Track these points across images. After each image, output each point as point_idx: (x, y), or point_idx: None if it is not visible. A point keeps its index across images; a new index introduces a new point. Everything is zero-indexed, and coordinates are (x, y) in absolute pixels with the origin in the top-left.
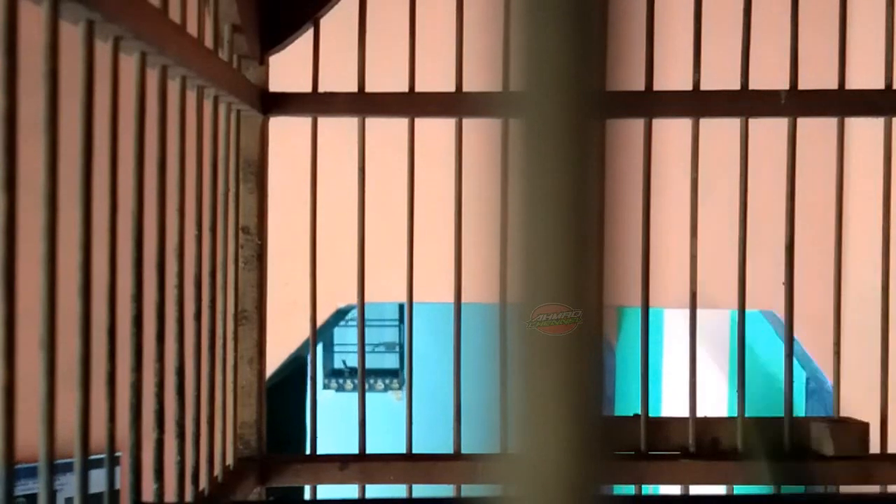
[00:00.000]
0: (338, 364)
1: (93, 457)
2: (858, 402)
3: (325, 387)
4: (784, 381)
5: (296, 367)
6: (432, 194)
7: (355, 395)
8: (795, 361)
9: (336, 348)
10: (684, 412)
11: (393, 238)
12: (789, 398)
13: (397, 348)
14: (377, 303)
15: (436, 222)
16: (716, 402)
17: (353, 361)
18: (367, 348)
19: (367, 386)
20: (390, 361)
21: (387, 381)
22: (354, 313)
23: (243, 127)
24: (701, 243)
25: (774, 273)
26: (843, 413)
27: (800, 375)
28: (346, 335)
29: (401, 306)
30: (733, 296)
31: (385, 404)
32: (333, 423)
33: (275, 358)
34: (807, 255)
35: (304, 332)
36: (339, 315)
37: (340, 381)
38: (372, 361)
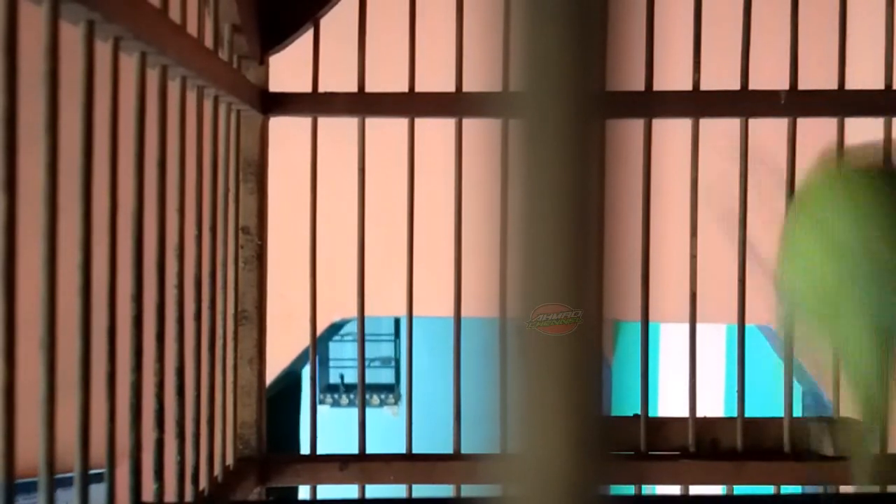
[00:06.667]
0: (334, 379)
1: (90, 471)
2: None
3: (321, 402)
4: (784, 383)
5: (289, 383)
6: (432, 198)
7: (350, 411)
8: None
9: (331, 363)
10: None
11: (391, 251)
12: (789, 399)
13: (393, 363)
14: (374, 317)
15: (435, 234)
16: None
17: (349, 376)
18: (365, 361)
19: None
20: (386, 376)
21: (382, 397)
22: (349, 327)
23: (243, 127)
24: (699, 242)
25: (772, 287)
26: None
27: (797, 391)
28: (341, 350)
29: (397, 321)
30: (730, 310)
31: (381, 420)
32: (329, 438)
33: (269, 371)
34: None
35: (299, 346)
36: (334, 329)
37: (336, 396)
38: (368, 376)
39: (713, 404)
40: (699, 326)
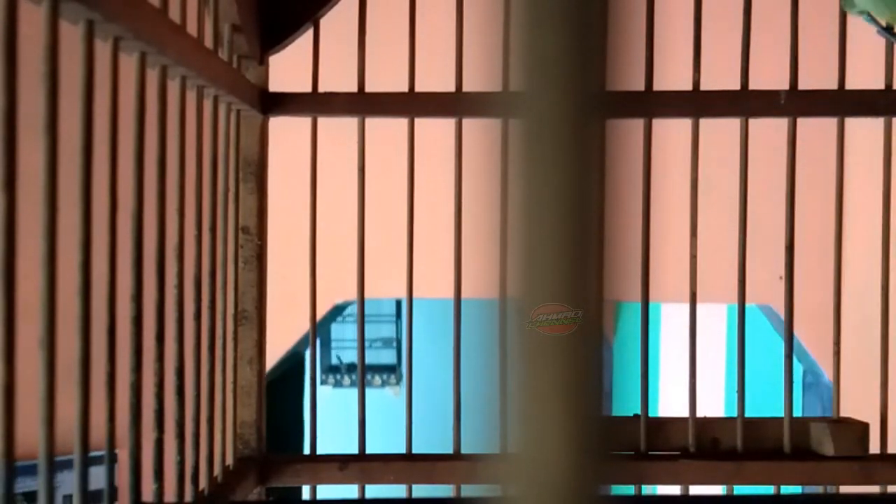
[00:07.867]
0: (334, 360)
1: (91, 454)
2: (858, 401)
3: (323, 383)
4: (784, 382)
5: (292, 364)
6: (432, 192)
7: (353, 391)
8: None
9: (333, 344)
10: (682, 409)
11: (391, 234)
12: (789, 399)
13: (394, 343)
14: (375, 298)
15: (435, 219)
16: (712, 396)
17: (348, 357)
18: (365, 344)
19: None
20: (387, 357)
21: (384, 377)
22: (351, 309)
23: (243, 127)
24: (699, 237)
25: (772, 267)
26: (843, 411)
27: (797, 369)
28: (343, 331)
29: (398, 302)
30: (730, 290)
31: (382, 400)
32: (331, 419)
33: (271, 354)
34: (806, 251)
35: (302, 329)
36: (337, 311)
37: (337, 377)
38: (369, 357)
39: (713, 384)
40: (699, 307)
